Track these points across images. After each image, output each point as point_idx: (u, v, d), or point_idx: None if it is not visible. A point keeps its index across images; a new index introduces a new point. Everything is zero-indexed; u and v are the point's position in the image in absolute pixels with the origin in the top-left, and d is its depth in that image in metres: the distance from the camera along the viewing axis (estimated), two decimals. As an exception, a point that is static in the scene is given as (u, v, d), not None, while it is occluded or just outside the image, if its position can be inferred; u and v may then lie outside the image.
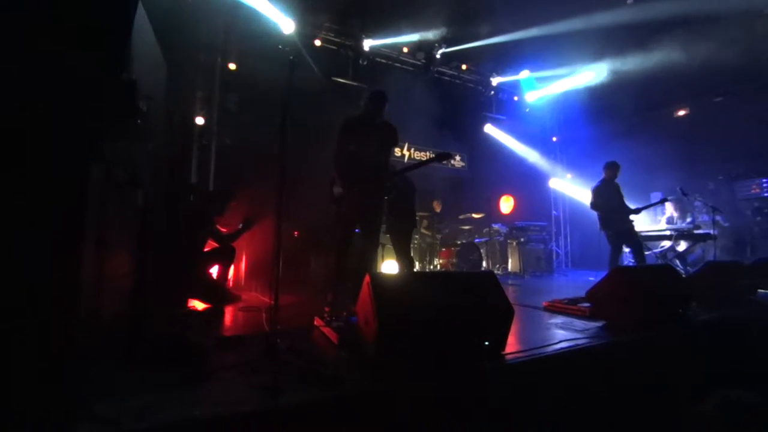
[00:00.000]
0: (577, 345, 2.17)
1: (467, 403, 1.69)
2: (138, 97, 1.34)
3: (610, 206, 5.38)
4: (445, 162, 8.15)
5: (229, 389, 1.55)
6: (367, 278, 1.91)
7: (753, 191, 8.21)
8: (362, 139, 3.11)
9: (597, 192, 5.49)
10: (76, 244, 1.12)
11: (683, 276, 3.76)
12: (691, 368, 2.56)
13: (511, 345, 2.11)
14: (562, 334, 2.50)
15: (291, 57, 2.08)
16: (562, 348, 2.11)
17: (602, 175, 5.60)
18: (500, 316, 1.95)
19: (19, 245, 1.10)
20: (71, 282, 1.13)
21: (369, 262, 3.23)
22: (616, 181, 5.56)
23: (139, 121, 1.44)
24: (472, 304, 1.95)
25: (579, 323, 2.84)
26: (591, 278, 6.29)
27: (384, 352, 1.77)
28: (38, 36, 1.21)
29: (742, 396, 1.15)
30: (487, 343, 1.95)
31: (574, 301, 3.36)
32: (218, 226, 4.01)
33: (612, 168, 5.53)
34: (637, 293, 2.71)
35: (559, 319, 3.04)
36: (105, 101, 1.23)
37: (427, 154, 8.18)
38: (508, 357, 1.95)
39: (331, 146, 3.27)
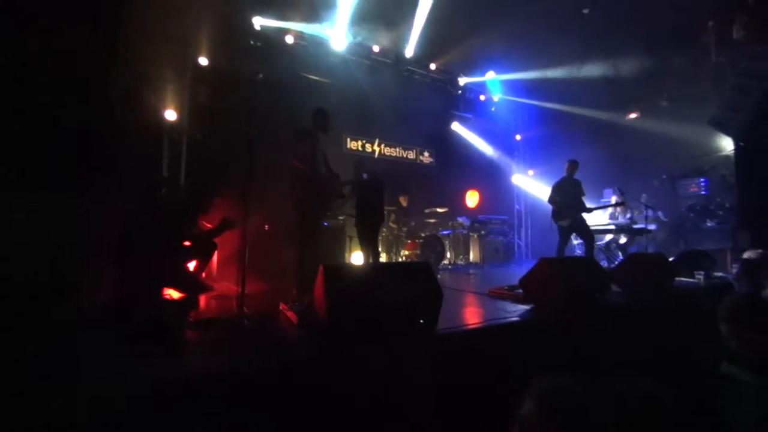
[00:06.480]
0: (497, 322, 2.61)
1: (404, 368, 2.07)
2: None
3: (566, 202, 5.87)
4: (413, 158, 8.62)
5: (201, 360, 1.87)
6: (321, 267, 2.27)
7: (692, 190, 9.04)
8: (318, 148, 3.57)
9: (555, 187, 6.02)
10: (81, 246, 1.40)
11: (603, 267, 4.29)
12: (601, 347, 3.04)
13: (447, 322, 2.51)
14: (492, 314, 2.94)
15: (259, 75, 2.35)
16: (484, 324, 2.55)
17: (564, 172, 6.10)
18: (432, 299, 2.35)
19: (35, 247, 1.37)
20: (76, 279, 1.41)
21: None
22: (578, 178, 6.06)
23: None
24: (409, 289, 2.34)
25: (511, 306, 3.29)
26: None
27: (334, 327, 2.13)
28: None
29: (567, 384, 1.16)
30: (422, 321, 2.35)
31: (513, 288, 3.82)
32: (203, 222, 4.15)
33: (571, 165, 6.05)
34: (559, 281, 3.18)
35: (497, 303, 3.49)
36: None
37: (397, 149, 8.54)
38: (440, 331, 2.36)
39: (300, 141, 3.59)
